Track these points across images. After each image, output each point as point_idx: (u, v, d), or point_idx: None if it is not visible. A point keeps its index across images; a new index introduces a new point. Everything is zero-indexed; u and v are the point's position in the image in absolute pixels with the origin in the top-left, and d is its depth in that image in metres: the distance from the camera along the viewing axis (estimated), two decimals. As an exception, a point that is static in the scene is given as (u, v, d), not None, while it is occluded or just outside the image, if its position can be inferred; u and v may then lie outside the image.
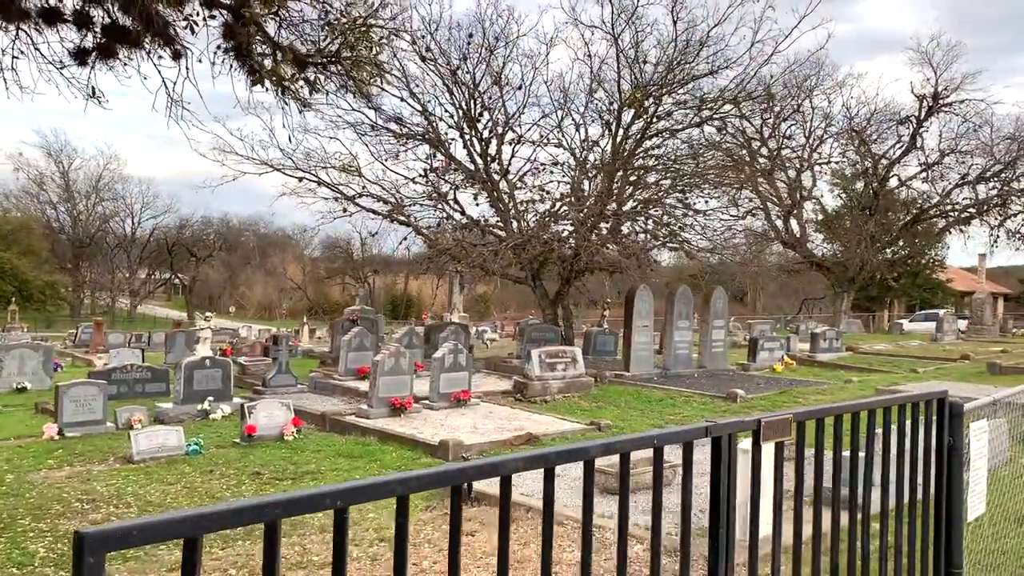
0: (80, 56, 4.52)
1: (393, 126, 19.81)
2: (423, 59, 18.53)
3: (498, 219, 20.11)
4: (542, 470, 2.33)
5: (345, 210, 19.65)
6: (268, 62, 4.40)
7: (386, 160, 19.85)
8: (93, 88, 4.95)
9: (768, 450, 3.17)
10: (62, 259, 65.14)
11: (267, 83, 4.79)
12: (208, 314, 14.52)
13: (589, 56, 19.78)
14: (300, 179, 19.05)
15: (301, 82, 4.82)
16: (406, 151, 20.04)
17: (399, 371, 12.70)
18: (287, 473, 9.57)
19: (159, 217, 70.69)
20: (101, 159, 65.12)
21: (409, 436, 11.03)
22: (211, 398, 13.57)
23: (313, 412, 12.82)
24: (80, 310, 63.57)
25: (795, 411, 3.36)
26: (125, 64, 4.79)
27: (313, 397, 14.91)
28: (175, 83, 4.81)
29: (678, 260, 25.80)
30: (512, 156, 20.43)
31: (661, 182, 20.03)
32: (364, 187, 19.69)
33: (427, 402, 13.29)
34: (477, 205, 20.26)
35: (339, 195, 19.56)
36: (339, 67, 4.51)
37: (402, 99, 19.41)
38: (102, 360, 19.98)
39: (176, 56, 4.51)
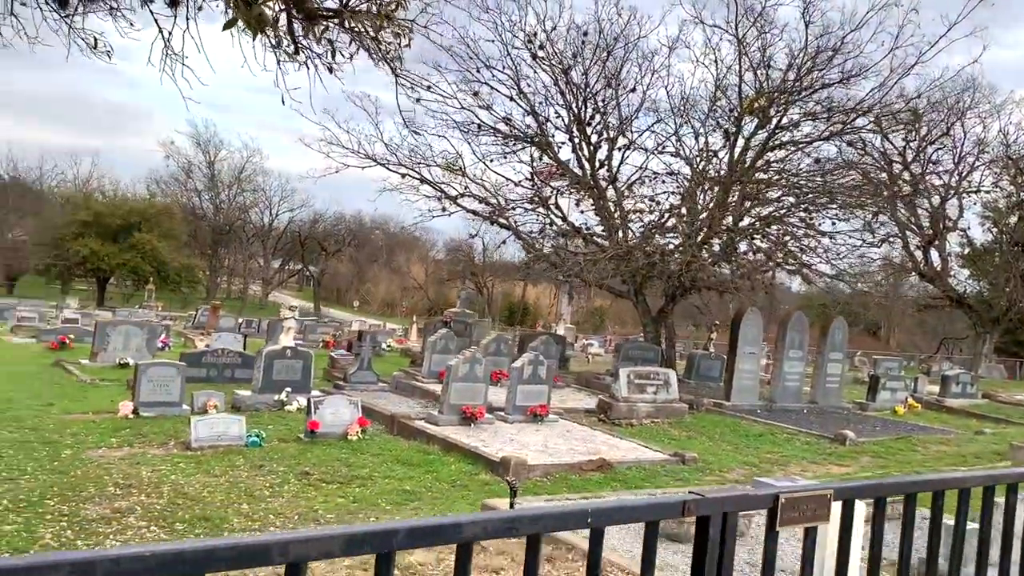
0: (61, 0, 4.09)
1: (502, 127, 19.29)
2: (535, 57, 17.92)
3: (602, 228, 19.22)
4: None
5: (444, 209, 19.30)
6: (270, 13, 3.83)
7: (491, 161, 19.38)
8: (95, 39, 4.50)
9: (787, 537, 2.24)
10: (202, 244, 68.42)
11: (285, 42, 4.21)
12: (293, 304, 14.36)
13: (716, 61, 18.61)
14: (403, 175, 18.83)
15: (324, 43, 4.20)
16: (514, 152, 19.48)
17: (473, 378, 12.06)
18: (337, 475, 9.08)
19: (295, 210, 73.17)
20: (245, 152, 67.86)
21: (472, 449, 10.36)
22: (289, 389, 13.35)
23: (384, 413, 12.37)
24: (215, 294, 66.62)
25: (842, 484, 2.42)
26: (114, 9, 4.30)
27: (392, 397, 14.50)
28: (175, 34, 4.28)
29: (808, 287, 24.07)
30: (621, 163, 19.53)
31: (783, 198, 18.59)
32: (467, 187, 19.29)
33: (502, 414, 12.59)
34: (582, 212, 19.49)
35: (441, 194, 19.22)
36: (353, 22, 3.89)
37: (511, 98, 18.88)
38: (204, 342, 20.37)
39: (172, 3, 3.97)
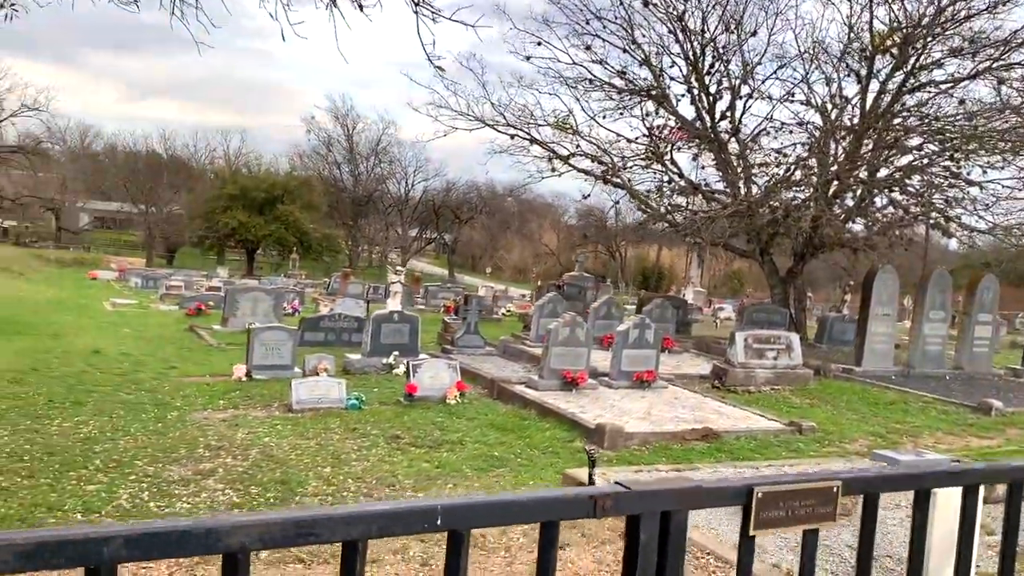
0: None
1: (617, 81, 18.52)
2: (646, 3, 16.99)
3: (724, 183, 18.16)
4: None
5: (554, 169, 18.77)
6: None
7: (603, 117, 18.65)
8: None
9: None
10: (343, 215, 70.88)
11: None
12: (399, 268, 14.36)
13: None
14: (512, 136, 18.46)
15: None
16: (627, 108, 18.65)
17: (575, 342, 11.64)
18: (427, 440, 8.95)
19: (429, 180, 74.50)
20: (381, 124, 69.49)
21: (568, 415, 9.98)
22: (396, 352, 13.41)
23: (485, 376, 12.18)
24: (356, 262, 69.00)
25: (860, 471, 1.90)
26: None
27: (499, 361, 14.31)
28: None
29: (969, 246, 21.68)
30: (743, 113, 18.32)
31: (925, 146, 16.88)
32: (578, 146, 18.68)
33: (607, 379, 12.12)
34: (703, 168, 18.49)
35: (551, 154, 18.71)
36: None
37: (624, 50, 18.02)
38: (328, 307, 20.91)
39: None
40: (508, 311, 25.66)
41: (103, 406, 9.73)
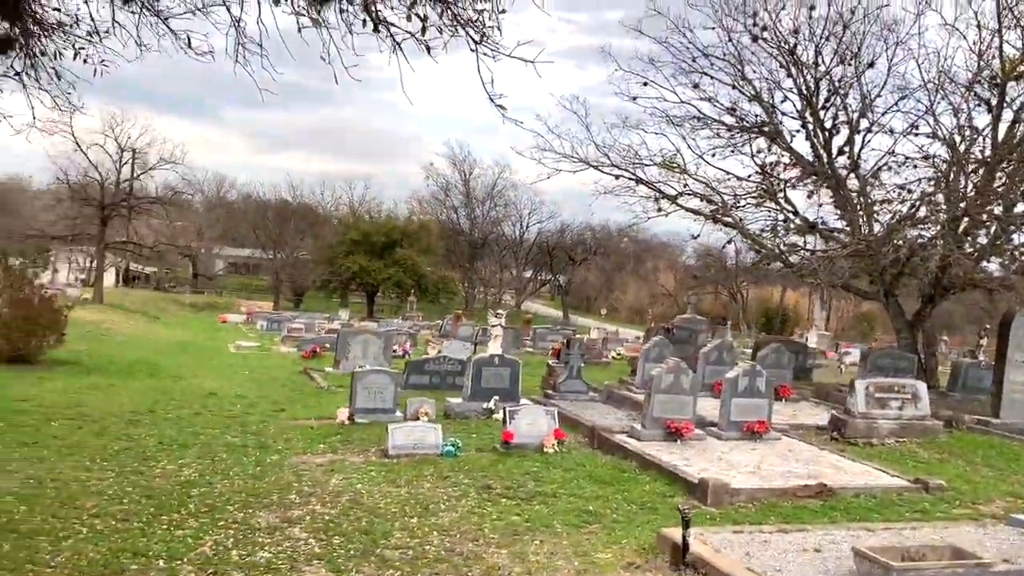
0: None
1: (727, 118, 18.03)
2: (755, 39, 16.50)
3: (844, 222, 17.23)
4: None
5: (660, 209, 18.34)
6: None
7: (712, 155, 18.14)
8: (188, 38, 4.46)
9: None
10: (459, 258, 72.23)
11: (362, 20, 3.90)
12: (500, 311, 14.25)
13: (976, 19, 15.98)
14: (617, 176, 18.20)
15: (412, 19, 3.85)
16: (741, 145, 18.11)
17: (679, 389, 11.15)
18: (520, 491, 8.69)
19: (543, 222, 75.12)
20: (496, 169, 70.71)
21: (670, 467, 9.50)
22: (496, 397, 13.25)
23: (585, 424, 11.83)
24: (472, 304, 69.91)
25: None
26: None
27: (602, 408, 13.92)
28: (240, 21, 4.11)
29: None
30: (862, 147, 17.40)
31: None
32: (686, 185, 18.22)
33: (715, 430, 11.54)
34: (819, 206, 17.63)
35: (658, 193, 18.31)
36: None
37: (733, 86, 17.55)
38: (436, 349, 21.05)
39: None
40: (618, 354, 25.16)
41: (208, 449, 9.98)
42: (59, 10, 4.39)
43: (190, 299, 52.03)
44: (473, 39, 4.04)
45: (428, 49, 4.14)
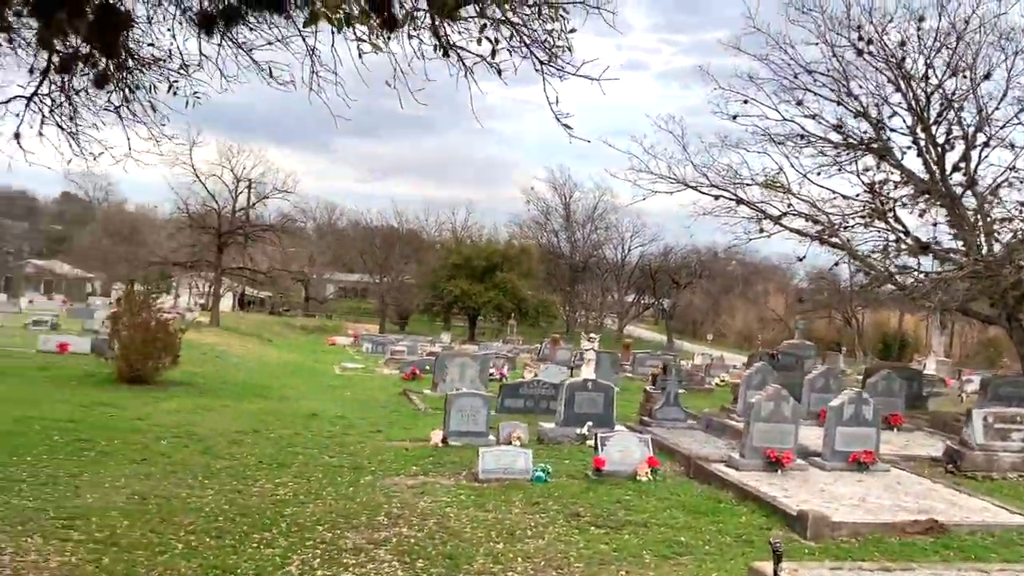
0: (206, 24, 4.18)
1: (833, 135, 17.38)
2: (859, 52, 15.86)
3: (960, 242, 16.25)
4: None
5: (762, 231, 17.76)
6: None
7: (817, 174, 17.47)
8: (270, 69, 4.60)
9: None
10: (560, 281, 72.26)
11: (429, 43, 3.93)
12: (592, 335, 14.09)
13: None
14: (716, 197, 17.75)
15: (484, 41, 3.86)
16: (847, 163, 17.40)
17: (780, 418, 10.70)
18: (610, 519, 8.51)
19: (646, 245, 74.31)
20: (596, 192, 70.46)
21: (768, 499, 9.11)
22: (590, 423, 13.07)
23: (681, 452, 11.51)
24: (573, 328, 69.69)
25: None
26: (252, 29, 4.32)
27: (700, 436, 13.51)
28: (314, 50, 4.20)
29: None
30: (979, 163, 16.41)
31: None
32: (790, 205, 17.60)
33: (818, 460, 11.02)
34: (934, 225, 16.69)
35: (760, 214, 17.75)
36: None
37: (839, 102, 16.90)
38: (532, 373, 21.01)
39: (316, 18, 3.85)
40: (722, 381, 24.47)
41: (305, 468, 10.21)
42: (153, 45, 4.64)
43: (301, 322, 53.85)
44: (539, 59, 4.02)
45: (499, 72, 4.14)
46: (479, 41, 4.02)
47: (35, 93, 4.73)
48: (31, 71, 4.57)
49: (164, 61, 4.74)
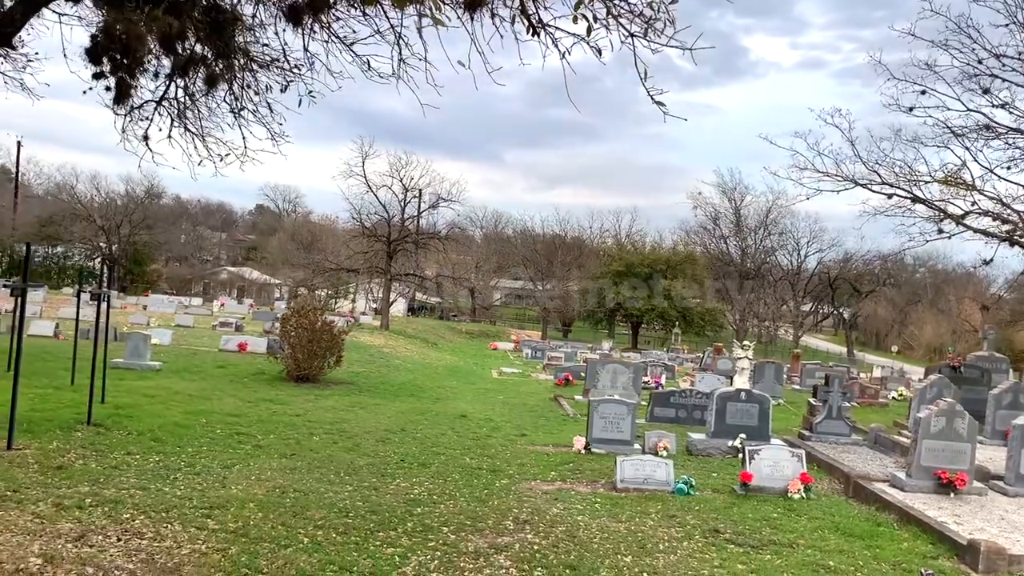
0: (293, 16, 4.14)
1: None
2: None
3: None
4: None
5: (941, 231, 16.13)
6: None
7: (1007, 168, 15.70)
8: (368, 62, 4.56)
9: None
10: (729, 289, 69.86)
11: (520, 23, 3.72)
12: (746, 343, 13.31)
13: None
14: (889, 195, 16.31)
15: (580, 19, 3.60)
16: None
17: (954, 436, 9.63)
18: (752, 538, 7.94)
19: (824, 251, 70.56)
20: (770, 195, 67.65)
21: (935, 525, 8.19)
22: (743, 435, 12.38)
23: (840, 470, 10.62)
24: (743, 338, 67.17)
25: None
26: (339, 19, 4.25)
27: (865, 452, 12.46)
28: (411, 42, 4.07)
29: None
30: None
31: None
32: (974, 203, 15.90)
33: (1001, 484, 9.83)
34: None
35: (939, 213, 16.15)
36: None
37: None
38: (688, 382, 20.28)
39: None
40: (900, 394, 22.62)
41: (443, 469, 10.26)
42: (268, 45, 4.75)
43: (466, 327, 55.13)
44: (628, 31, 3.70)
45: (599, 52, 3.86)
46: (575, 19, 3.77)
47: (163, 96, 4.98)
48: (156, 75, 4.83)
49: (278, 61, 4.84)
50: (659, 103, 3.75)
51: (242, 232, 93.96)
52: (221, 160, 5.42)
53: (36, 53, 8.00)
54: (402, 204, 44.35)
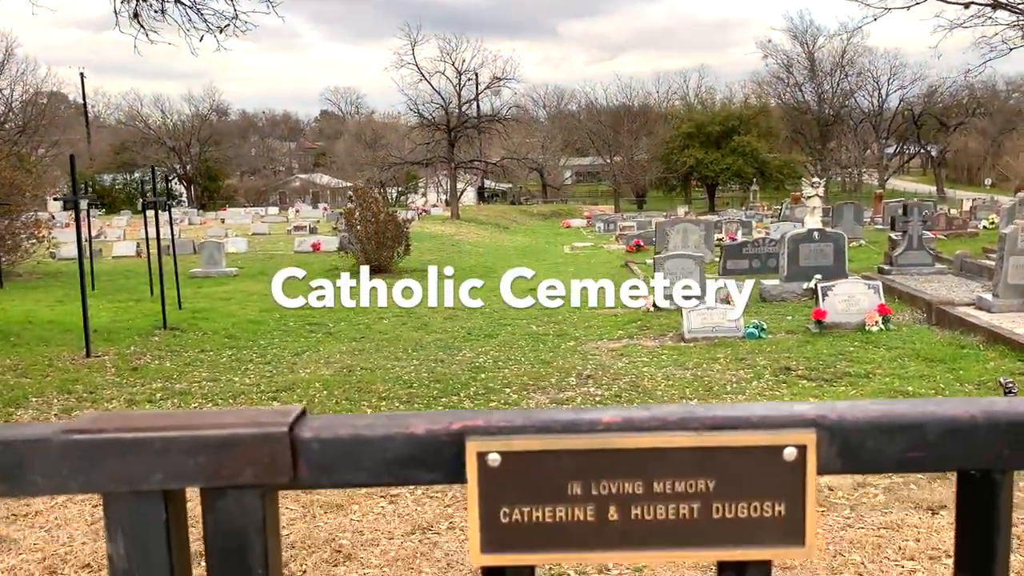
0: None
1: None
2: None
3: None
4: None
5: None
6: None
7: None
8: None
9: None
10: (808, 139, 66.91)
11: None
12: (815, 180, 12.66)
13: None
14: (967, 5, 14.88)
15: None
16: None
17: (1043, 249, 9.01)
18: (825, 372, 7.72)
19: (907, 88, 66.49)
20: (845, 34, 63.47)
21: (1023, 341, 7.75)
22: (819, 276, 11.93)
23: (922, 299, 10.15)
24: (827, 187, 64.75)
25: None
26: None
27: (951, 280, 11.90)
28: None
29: None
30: None
31: None
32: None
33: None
34: None
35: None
36: None
37: None
38: (763, 232, 19.68)
39: None
40: (991, 222, 21.48)
41: (510, 338, 10.28)
42: None
43: (538, 209, 54.79)
44: None
45: None
46: None
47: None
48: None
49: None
50: None
51: (310, 139, 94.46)
52: (220, 32, 5.21)
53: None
54: (458, 89, 43.52)
